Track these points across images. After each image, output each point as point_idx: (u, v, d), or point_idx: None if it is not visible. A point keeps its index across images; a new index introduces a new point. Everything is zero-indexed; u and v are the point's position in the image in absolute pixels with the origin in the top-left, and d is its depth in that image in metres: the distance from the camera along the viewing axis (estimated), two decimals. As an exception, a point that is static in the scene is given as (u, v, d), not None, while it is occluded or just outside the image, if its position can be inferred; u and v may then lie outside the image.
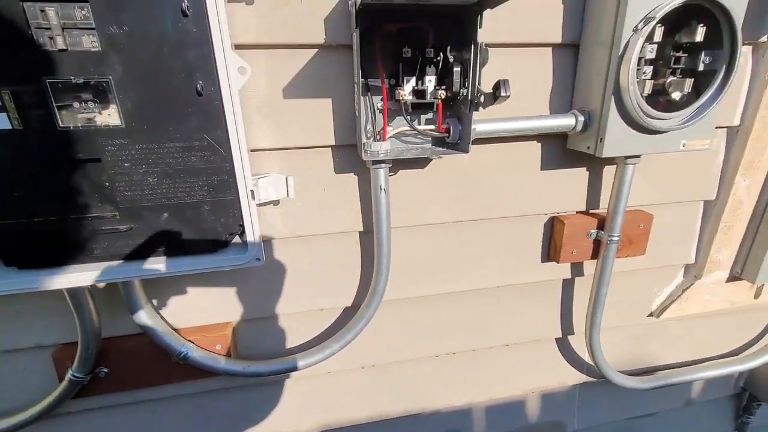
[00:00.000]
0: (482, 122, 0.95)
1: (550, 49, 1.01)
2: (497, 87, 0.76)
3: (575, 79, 1.04)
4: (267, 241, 1.03)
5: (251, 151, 0.93)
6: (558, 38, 0.99)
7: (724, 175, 1.24)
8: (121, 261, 0.77)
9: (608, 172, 1.17)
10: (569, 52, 1.02)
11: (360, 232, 1.09)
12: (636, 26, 0.86)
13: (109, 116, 0.67)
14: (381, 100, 0.91)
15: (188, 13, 0.64)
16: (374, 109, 0.94)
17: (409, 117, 0.95)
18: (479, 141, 1.03)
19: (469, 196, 1.11)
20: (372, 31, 0.85)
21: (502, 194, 1.13)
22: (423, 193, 1.08)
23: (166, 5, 0.63)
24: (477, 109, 0.86)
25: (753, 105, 1.15)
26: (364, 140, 0.93)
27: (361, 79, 0.86)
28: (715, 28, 0.90)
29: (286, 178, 0.84)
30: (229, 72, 0.68)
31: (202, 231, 0.77)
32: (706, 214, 1.31)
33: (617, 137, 0.96)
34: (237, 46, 0.85)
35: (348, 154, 1.00)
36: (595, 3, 0.94)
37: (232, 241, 0.80)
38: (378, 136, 0.94)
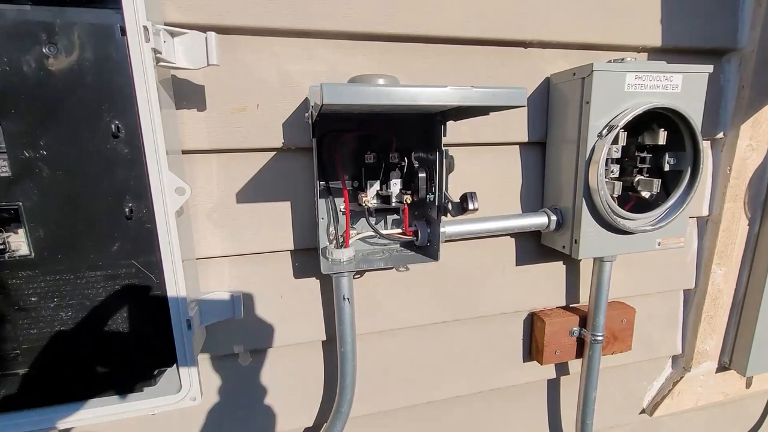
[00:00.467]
0: (452, 224, 0.90)
1: (517, 147, 1.00)
2: (464, 199, 0.72)
3: (545, 176, 1.02)
4: (215, 358, 0.90)
5: (199, 259, 0.84)
6: (524, 137, 0.98)
7: (701, 264, 1.22)
8: (20, 411, 0.63)
9: (586, 265, 1.12)
10: (537, 149, 1.01)
11: (323, 341, 0.98)
12: (600, 132, 0.86)
13: (16, 246, 0.57)
14: (344, 202, 0.85)
15: (120, 134, 0.58)
16: (336, 212, 0.88)
17: (373, 220, 0.89)
18: (451, 240, 0.97)
19: (444, 296, 1.03)
20: (332, 135, 0.81)
21: (478, 292, 1.05)
22: (394, 295, 0.99)
23: (94, 127, 0.56)
24: (446, 215, 0.81)
25: (719, 197, 1.16)
26: (325, 244, 0.86)
27: (319, 184, 0.81)
28: (676, 131, 0.91)
29: (233, 298, 0.74)
30: (165, 193, 0.61)
31: (125, 369, 0.65)
32: (687, 303, 1.27)
33: (592, 239, 0.92)
34: (187, 152, 0.79)
35: (308, 259, 0.92)
36: (558, 108, 0.95)
37: (162, 379, 0.67)
38: (341, 240, 0.87)
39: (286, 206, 0.88)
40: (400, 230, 0.89)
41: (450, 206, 0.79)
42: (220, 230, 0.84)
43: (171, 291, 0.64)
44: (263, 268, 0.90)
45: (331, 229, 0.88)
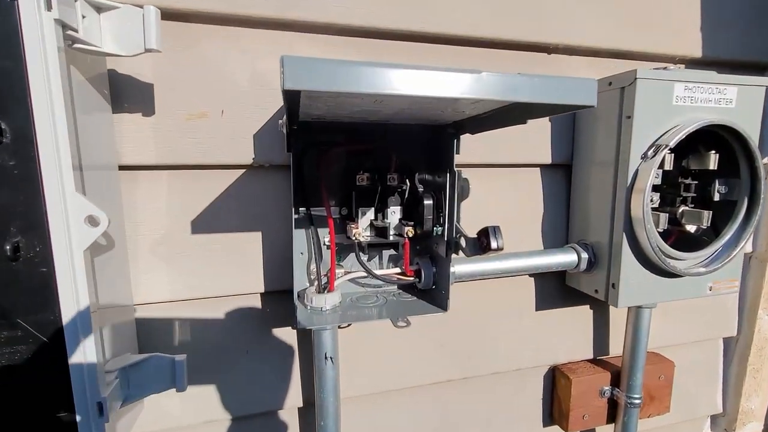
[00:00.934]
0: (462, 262, 0.73)
1: (538, 169, 0.84)
2: (485, 235, 0.55)
3: (570, 204, 0.86)
4: (157, 433, 0.70)
5: (141, 305, 0.65)
6: (547, 158, 0.82)
7: (744, 308, 1.05)
8: None
9: (617, 310, 0.95)
10: (561, 173, 0.85)
11: (299, 408, 0.78)
12: (645, 153, 0.70)
13: None
14: (329, 234, 0.67)
15: (2, 138, 0.40)
16: (320, 246, 0.70)
17: (366, 256, 0.71)
18: (460, 281, 0.79)
19: (450, 348, 0.84)
20: (315, 149, 0.64)
21: (491, 343, 0.87)
22: (388, 347, 0.80)
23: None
24: (456, 253, 0.64)
25: (765, 230, 1.00)
26: (303, 286, 0.68)
27: (298, 210, 0.64)
28: (729, 154, 0.76)
29: (174, 362, 0.55)
30: (70, 223, 0.43)
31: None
32: (728, 353, 1.09)
33: (634, 282, 0.75)
34: (128, 167, 0.62)
35: (283, 303, 0.73)
36: (588, 125, 0.80)
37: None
38: (324, 282, 0.69)
39: (256, 238, 0.70)
40: (398, 270, 0.71)
41: (463, 242, 0.61)
42: (168, 268, 0.66)
43: (76, 359, 0.45)
44: (224, 315, 0.71)
45: (313, 266, 0.70)
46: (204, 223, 0.67)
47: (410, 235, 0.66)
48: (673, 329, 1.00)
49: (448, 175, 0.62)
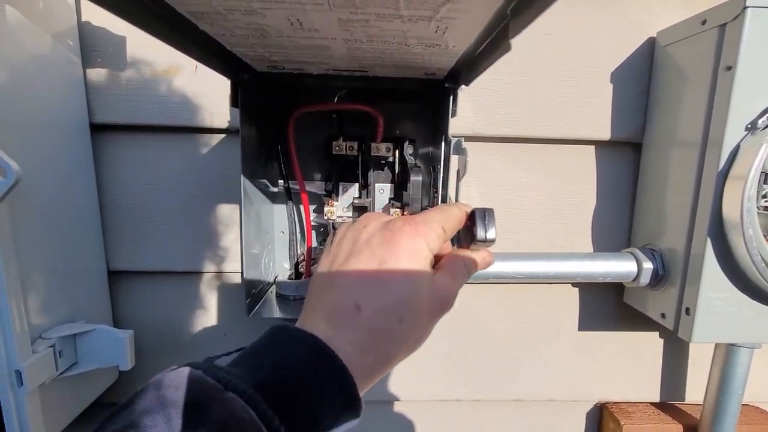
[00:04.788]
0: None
1: (592, 147, 0.64)
2: (472, 220, 0.40)
3: (636, 196, 0.64)
4: None
5: (116, 273, 0.62)
6: (605, 132, 0.62)
7: None
8: None
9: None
10: (625, 153, 0.64)
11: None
12: (753, 123, 0.48)
13: None
14: (304, 212, 0.58)
15: None
16: (303, 224, 0.61)
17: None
18: (473, 282, 0.64)
19: (459, 362, 0.70)
20: (284, 110, 0.55)
21: (515, 362, 0.70)
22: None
23: None
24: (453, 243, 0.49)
25: None
26: (276, 274, 0.59)
27: (280, 184, 0.55)
28: None
29: (117, 335, 0.50)
30: (-26, 174, 0.39)
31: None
32: None
33: (720, 310, 0.53)
34: (99, 126, 0.59)
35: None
36: (668, 86, 0.58)
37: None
38: (301, 267, 0.60)
39: (234, 210, 0.63)
40: (389, 261, 0.59)
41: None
42: (145, 238, 0.62)
43: (-11, 322, 0.42)
44: (200, 291, 0.66)
45: (297, 249, 0.62)
46: (176, 190, 0.61)
47: (397, 218, 0.53)
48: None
49: (443, 144, 0.48)
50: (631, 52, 0.60)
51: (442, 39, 0.33)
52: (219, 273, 0.65)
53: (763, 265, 0.49)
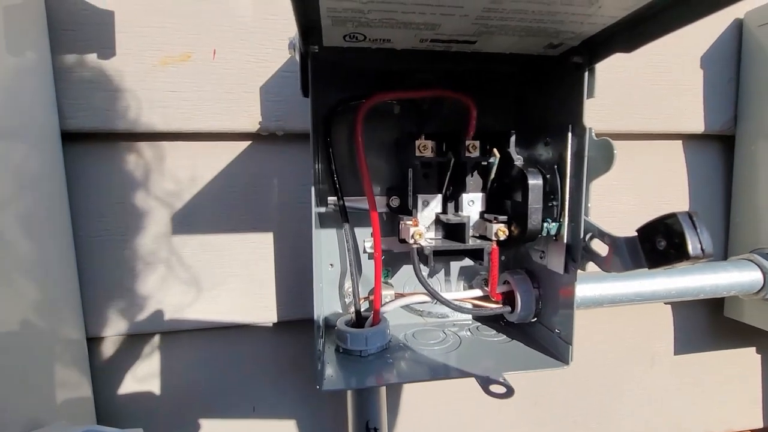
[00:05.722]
0: (587, 279, 0.47)
1: (679, 142, 0.56)
2: (666, 231, 0.28)
3: (732, 195, 0.57)
4: None
5: (93, 339, 0.44)
6: (697, 124, 0.55)
7: None
8: None
9: (796, 354, 0.63)
10: (717, 148, 0.57)
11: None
12: None
13: None
14: (373, 235, 0.44)
15: None
16: (358, 254, 0.46)
17: (427, 269, 0.46)
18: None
19: (547, 409, 0.57)
20: (352, 104, 0.41)
21: (607, 400, 0.59)
22: (458, 405, 0.55)
23: None
24: (583, 268, 0.38)
25: None
26: (335, 320, 0.44)
27: (326, 201, 0.41)
28: None
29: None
30: None
31: None
32: None
33: None
34: (71, 134, 0.42)
35: (303, 336, 0.50)
36: (763, 73, 0.52)
37: None
38: (366, 309, 0.45)
39: (264, 241, 0.48)
40: (476, 291, 0.46)
41: (599, 247, 0.35)
42: (134, 288, 0.45)
43: None
44: (215, 356, 0.49)
45: (348, 286, 0.47)
46: (186, 219, 0.45)
47: (502, 237, 0.41)
48: None
49: (572, 138, 0.37)
50: (717, 35, 0.54)
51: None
52: (232, 326, 0.49)
53: None
